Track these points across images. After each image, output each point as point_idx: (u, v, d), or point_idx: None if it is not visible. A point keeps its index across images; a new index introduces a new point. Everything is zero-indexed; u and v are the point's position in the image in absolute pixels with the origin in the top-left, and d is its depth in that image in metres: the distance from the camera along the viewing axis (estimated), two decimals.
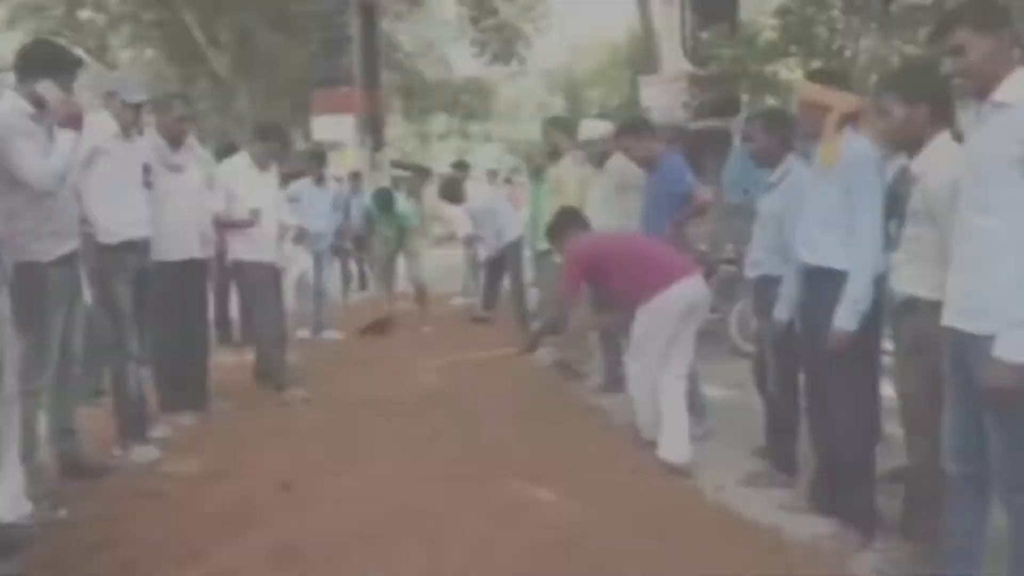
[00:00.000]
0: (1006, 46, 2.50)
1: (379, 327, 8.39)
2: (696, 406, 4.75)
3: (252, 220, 5.70)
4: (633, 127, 5.35)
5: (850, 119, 3.36)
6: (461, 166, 11.64)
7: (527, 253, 8.46)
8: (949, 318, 2.59)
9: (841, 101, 3.33)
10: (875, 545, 3.33)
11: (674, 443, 4.35)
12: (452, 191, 8.93)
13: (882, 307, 3.32)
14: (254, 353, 6.15)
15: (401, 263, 9.31)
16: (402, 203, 9.09)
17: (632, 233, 5.28)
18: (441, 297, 10.42)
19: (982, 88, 2.51)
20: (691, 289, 4.40)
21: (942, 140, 2.94)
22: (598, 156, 5.93)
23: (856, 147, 3.29)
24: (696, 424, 4.64)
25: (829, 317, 3.27)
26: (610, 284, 4.62)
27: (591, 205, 5.76)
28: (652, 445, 4.48)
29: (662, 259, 4.55)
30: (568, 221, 5.02)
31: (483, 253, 9.27)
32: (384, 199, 8.91)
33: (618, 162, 5.88)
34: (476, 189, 9.49)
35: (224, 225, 5.80)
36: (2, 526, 3.30)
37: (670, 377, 4.44)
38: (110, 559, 3.24)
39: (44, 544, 3.39)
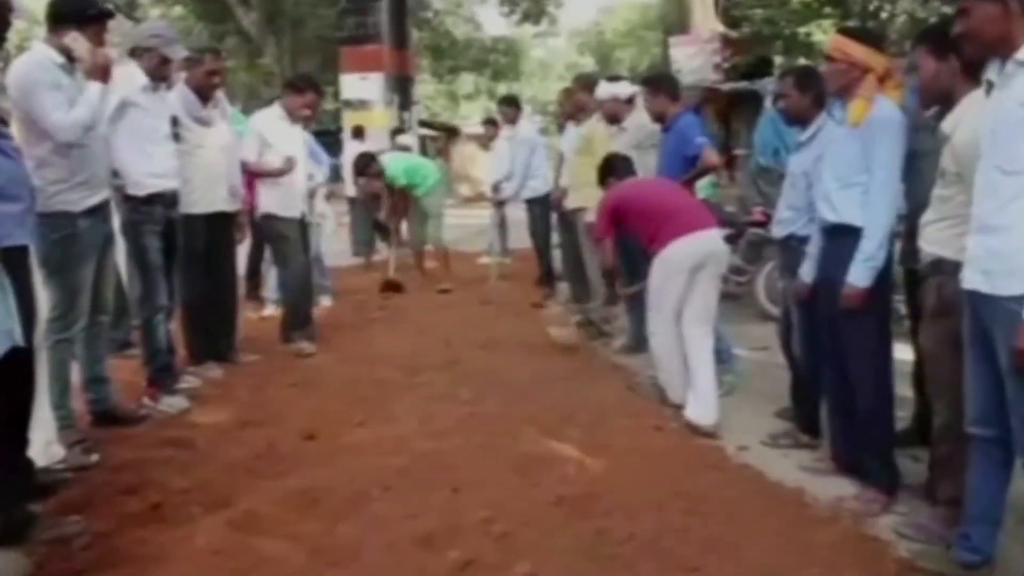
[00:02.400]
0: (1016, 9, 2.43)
1: (394, 286, 8.35)
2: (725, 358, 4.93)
3: (287, 168, 5.72)
4: (649, 82, 5.43)
5: (882, 80, 3.31)
6: (491, 123, 11.58)
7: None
8: (969, 280, 2.55)
9: (879, 63, 3.27)
10: (897, 508, 3.32)
11: (702, 404, 4.36)
12: (511, 104, 8.76)
13: (892, 266, 3.34)
14: (281, 307, 6.18)
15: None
16: (392, 166, 8.55)
17: (662, 182, 5.29)
18: (467, 256, 10.44)
19: (990, 51, 2.47)
20: (702, 242, 4.44)
21: (974, 97, 2.88)
22: (609, 116, 6.01)
23: (881, 107, 3.24)
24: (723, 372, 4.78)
25: (845, 274, 3.27)
26: (633, 231, 4.74)
27: None
28: (678, 407, 4.51)
29: (679, 210, 4.57)
30: (611, 165, 5.22)
31: (508, 194, 9.00)
32: (361, 165, 8.52)
33: (634, 121, 5.89)
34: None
35: (256, 174, 5.81)
36: (36, 470, 3.38)
37: (695, 331, 4.45)
38: (139, 503, 3.31)
39: (76, 488, 3.49)
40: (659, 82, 5.41)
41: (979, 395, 2.66)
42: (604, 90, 6.09)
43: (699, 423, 4.31)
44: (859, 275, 3.24)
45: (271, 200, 5.86)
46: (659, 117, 5.27)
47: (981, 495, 2.73)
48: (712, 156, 5.19)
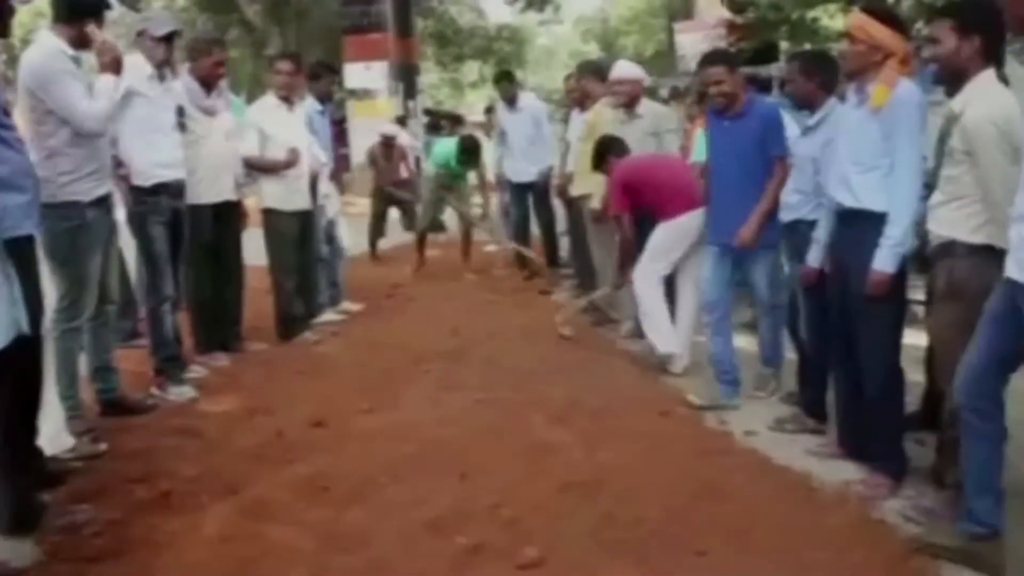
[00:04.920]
0: None
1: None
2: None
3: (292, 159, 5.70)
4: (726, 58, 4.56)
5: (902, 64, 3.28)
6: (492, 111, 11.60)
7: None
8: (1009, 269, 2.53)
9: (900, 46, 3.24)
10: (904, 492, 3.32)
11: (681, 337, 5.04)
12: (511, 80, 8.72)
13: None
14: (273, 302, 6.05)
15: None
16: (446, 148, 8.55)
17: (666, 158, 5.62)
18: (475, 244, 10.41)
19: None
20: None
21: (985, 77, 2.86)
22: (631, 99, 5.83)
23: (903, 89, 3.21)
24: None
25: (863, 259, 3.23)
26: (644, 201, 5.07)
27: None
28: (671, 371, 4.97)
29: (688, 184, 5.01)
30: (608, 146, 5.47)
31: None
32: (471, 145, 8.30)
33: (650, 108, 5.86)
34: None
35: (259, 169, 5.74)
36: (45, 459, 3.40)
37: (686, 289, 5.07)
38: (148, 491, 3.33)
39: (85, 477, 3.51)
40: (733, 59, 4.63)
41: (980, 371, 2.64)
42: (627, 71, 5.91)
43: (664, 350, 5.01)
44: (886, 261, 3.20)
45: (273, 193, 5.80)
46: (731, 99, 4.34)
47: (973, 466, 2.72)
48: (788, 171, 4.23)
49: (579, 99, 7.02)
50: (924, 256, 3.21)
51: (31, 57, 3.76)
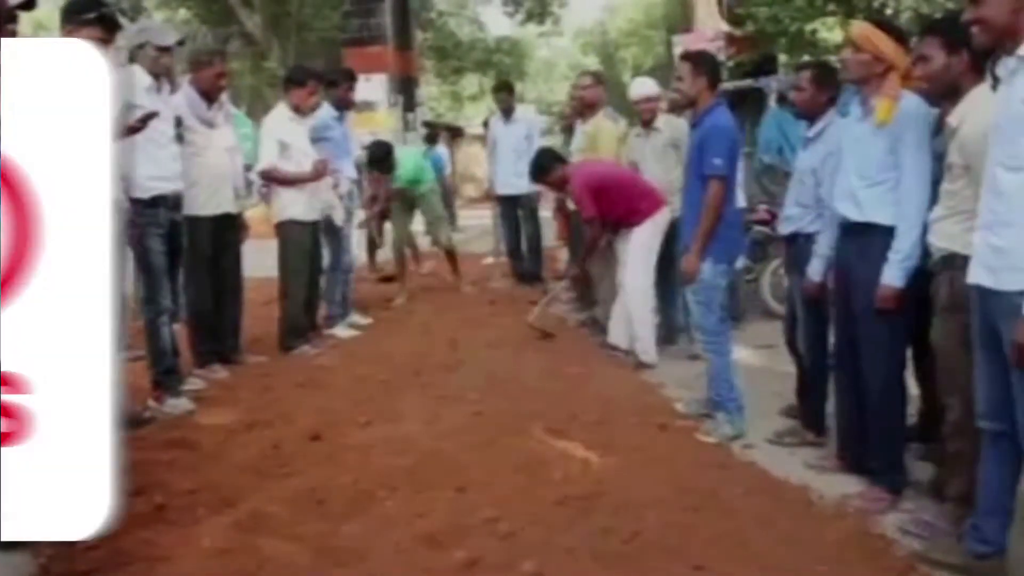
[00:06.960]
0: None
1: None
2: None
3: (320, 171, 5.78)
4: (690, 57, 4.41)
5: (904, 78, 3.28)
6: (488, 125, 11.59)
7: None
8: (975, 275, 2.55)
9: (903, 60, 3.24)
10: (903, 505, 3.31)
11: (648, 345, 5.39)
12: (509, 91, 8.75)
13: None
14: (280, 312, 6.06)
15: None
16: (409, 159, 7.81)
17: (616, 164, 5.93)
18: (473, 257, 10.42)
19: (999, 41, 2.46)
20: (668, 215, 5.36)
21: (980, 91, 2.86)
22: (648, 117, 5.86)
23: (907, 103, 3.22)
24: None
25: (869, 273, 3.24)
26: (612, 205, 5.36)
27: (643, 164, 5.81)
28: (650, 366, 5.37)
29: (648, 189, 5.46)
30: (549, 159, 5.84)
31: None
32: (377, 152, 7.46)
33: (666, 120, 5.86)
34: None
35: (281, 181, 5.80)
36: None
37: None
38: (144, 504, 3.30)
39: None
40: (702, 60, 4.37)
41: (988, 390, 2.65)
42: (649, 88, 5.94)
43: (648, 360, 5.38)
44: (895, 275, 3.20)
45: (292, 204, 5.83)
46: (690, 103, 4.36)
47: (992, 487, 2.72)
48: (718, 193, 4.08)
49: (580, 109, 7.02)
50: (924, 268, 3.22)
51: None
